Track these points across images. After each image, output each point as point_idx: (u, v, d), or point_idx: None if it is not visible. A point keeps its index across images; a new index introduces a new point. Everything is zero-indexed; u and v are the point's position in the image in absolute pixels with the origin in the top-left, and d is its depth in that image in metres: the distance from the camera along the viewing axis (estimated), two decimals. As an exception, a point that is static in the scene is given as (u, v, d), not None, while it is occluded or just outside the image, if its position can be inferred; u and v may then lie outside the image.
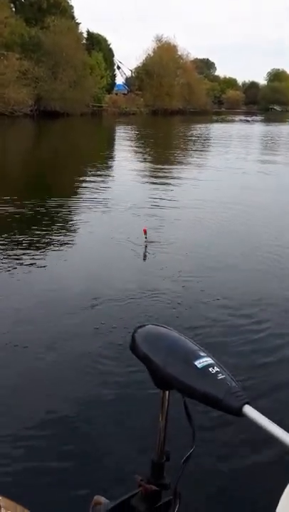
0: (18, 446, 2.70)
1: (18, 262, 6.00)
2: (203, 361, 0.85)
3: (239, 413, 0.77)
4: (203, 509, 2.37)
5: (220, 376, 0.83)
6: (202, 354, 0.87)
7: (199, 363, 0.84)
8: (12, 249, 6.51)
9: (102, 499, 1.00)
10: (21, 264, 5.93)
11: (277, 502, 0.67)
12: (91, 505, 0.99)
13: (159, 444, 0.98)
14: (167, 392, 0.96)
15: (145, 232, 6.47)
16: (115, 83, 59.69)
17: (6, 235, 7.13)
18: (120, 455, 2.66)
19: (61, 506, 2.29)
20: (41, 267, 5.89)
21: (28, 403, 3.11)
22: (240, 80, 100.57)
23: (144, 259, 6.26)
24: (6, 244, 6.77)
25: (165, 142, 25.45)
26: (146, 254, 6.34)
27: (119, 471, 2.49)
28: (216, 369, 0.84)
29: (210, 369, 0.84)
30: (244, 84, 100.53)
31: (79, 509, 1.12)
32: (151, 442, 1.01)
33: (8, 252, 6.41)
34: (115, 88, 59.31)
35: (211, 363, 0.85)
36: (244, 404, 0.78)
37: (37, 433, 2.82)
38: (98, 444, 2.80)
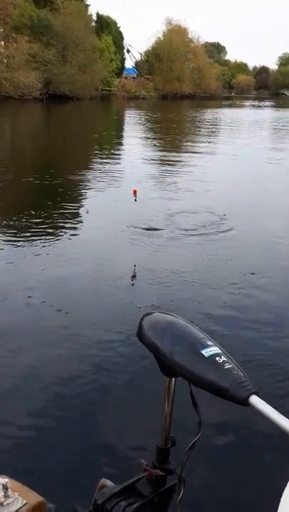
0: (25, 429, 2.70)
1: (32, 238, 6.01)
2: (211, 350, 0.85)
3: (245, 403, 0.77)
4: (206, 496, 2.31)
5: (227, 366, 0.83)
6: (209, 343, 0.87)
7: (206, 352, 0.85)
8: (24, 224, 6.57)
9: (108, 482, 1.01)
10: (36, 240, 5.93)
11: (282, 492, 0.68)
12: (97, 489, 1.00)
13: (164, 429, 1.00)
14: (173, 379, 0.96)
15: (135, 193, 6.58)
16: (125, 67, 59.22)
17: (19, 212, 7.19)
18: (127, 439, 2.65)
19: (67, 489, 2.27)
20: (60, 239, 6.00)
21: (35, 388, 3.07)
22: (250, 65, 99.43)
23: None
24: (18, 220, 6.80)
25: (175, 127, 25.07)
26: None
27: (125, 456, 2.50)
28: (223, 358, 0.84)
29: (217, 358, 0.84)
30: (255, 68, 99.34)
31: (85, 492, 1.11)
32: (157, 428, 1.01)
33: (20, 227, 6.46)
34: (125, 72, 58.82)
35: (218, 352, 0.85)
36: (251, 394, 0.78)
37: (44, 417, 2.80)
38: (104, 428, 2.78)
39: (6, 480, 1.00)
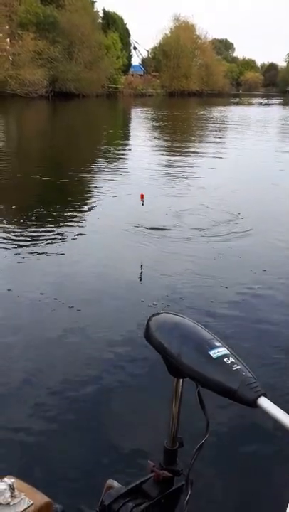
0: (31, 429, 2.67)
1: (38, 233, 6.06)
2: (219, 351, 0.85)
3: (254, 405, 0.78)
4: (213, 498, 2.29)
5: (235, 367, 0.83)
6: (217, 344, 0.87)
7: (214, 353, 0.84)
8: (31, 220, 6.59)
9: (115, 483, 1.01)
10: (43, 237, 5.96)
11: None
12: (104, 489, 1.00)
13: (172, 430, 0.99)
14: (181, 380, 0.95)
15: (142, 197, 6.41)
16: (131, 64, 59.04)
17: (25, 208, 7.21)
18: (134, 440, 2.62)
19: (74, 489, 2.25)
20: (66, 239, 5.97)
21: (42, 385, 3.06)
22: (259, 62, 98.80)
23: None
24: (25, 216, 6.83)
25: (183, 125, 24.97)
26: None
27: (132, 456, 2.47)
28: (232, 359, 0.84)
29: (225, 359, 0.84)
30: (263, 65, 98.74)
31: (92, 493, 1.09)
32: (164, 429, 1.01)
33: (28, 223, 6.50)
34: (131, 69, 58.63)
35: (226, 353, 0.85)
36: (259, 395, 0.78)
37: (50, 416, 2.78)
38: (111, 428, 2.75)
39: (13, 480, 0.99)
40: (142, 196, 6.37)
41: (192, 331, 0.90)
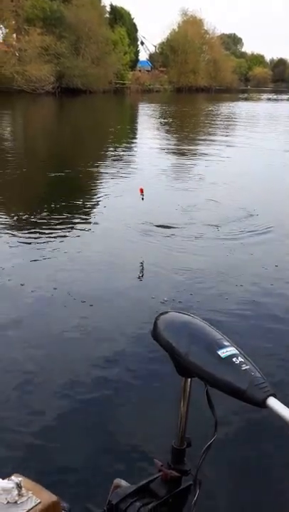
0: (38, 428, 2.67)
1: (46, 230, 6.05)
2: (227, 351, 0.85)
3: (263, 405, 0.78)
4: (221, 498, 2.28)
5: (244, 367, 0.82)
6: (226, 343, 0.86)
7: (223, 353, 0.84)
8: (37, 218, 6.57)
9: (122, 482, 1.01)
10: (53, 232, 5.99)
11: None
12: (111, 488, 1.00)
13: (180, 430, 0.99)
14: (189, 380, 0.95)
15: (141, 191, 6.32)
16: (139, 59, 58.81)
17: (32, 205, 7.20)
18: (142, 439, 2.62)
19: (81, 488, 2.23)
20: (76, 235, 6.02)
21: (50, 382, 3.06)
22: (267, 57, 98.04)
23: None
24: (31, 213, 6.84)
25: (191, 121, 24.85)
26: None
27: (140, 455, 2.46)
28: (240, 359, 0.84)
29: (234, 359, 0.83)
30: (272, 61, 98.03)
31: (99, 492, 1.09)
32: (173, 428, 1.01)
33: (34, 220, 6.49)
34: (139, 65, 58.42)
35: (235, 353, 0.85)
36: (269, 396, 0.78)
37: (57, 415, 2.77)
38: (119, 427, 2.74)
39: (20, 479, 0.99)
40: (142, 190, 6.28)
41: (200, 330, 0.90)
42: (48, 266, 4.95)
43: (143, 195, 6.30)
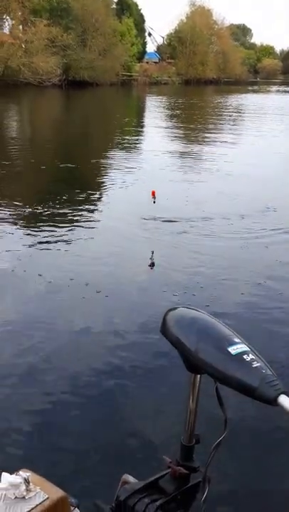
0: (46, 423, 2.67)
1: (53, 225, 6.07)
2: (238, 347, 0.84)
3: (274, 403, 0.77)
4: (231, 496, 2.27)
5: (255, 364, 0.81)
6: (236, 340, 0.85)
7: (233, 350, 0.83)
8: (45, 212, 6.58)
9: (131, 478, 1.01)
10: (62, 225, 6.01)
11: None
12: (119, 484, 0.99)
13: (188, 426, 0.98)
14: (198, 376, 0.94)
15: (153, 194, 6.21)
16: (146, 51, 58.39)
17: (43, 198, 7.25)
18: (151, 435, 2.61)
19: (89, 484, 2.23)
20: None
21: (56, 377, 3.06)
22: (277, 48, 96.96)
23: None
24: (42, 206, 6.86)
25: (199, 113, 24.63)
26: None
27: (149, 452, 2.45)
28: (251, 356, 0.83)
29: (244, 356, 0.82)
30: (282, 52, 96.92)
31: (107, 487, 1.09)
32: (182, 424, 1.00)
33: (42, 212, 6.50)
34: (146, 56, 58.00)
35: (245, 350, 0.83)
36: (280, 394, 0.77)
37: (65, 410, 2.77)
38: (128, 423, 2.74)
39: (28, 474, 0.98)
40: (154, 193, 6.16)
41: (210, 326, 0.89)
42: (62, 256, 5.04)
43: (155, 198, 6.18)
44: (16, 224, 6.13)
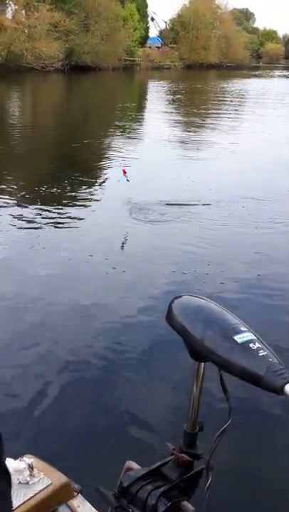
0: (51, 410, 2.67)
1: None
2: (244, 336, 0.83)
3: (281, 392, 0.76)
4: (235, 484, 2.26)
5: (261, 352, 0.81)
6: (243, 329, 0.85)
7: (239, 338, 0.83)
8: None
9: (134, 465, 1.01)
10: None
11: None
12: (123, 471, 1.00)
13: (192, 414, 0.98)
14: (203, 364, 0.94)
15: (124, 172, 6.19)
16: (149, 36, 57.50)
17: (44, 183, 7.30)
18: (155, 422, 2.61)
19: (93, 470, 2.24)
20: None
21: (58, 366, 3.06)
22: (280, 33, 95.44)
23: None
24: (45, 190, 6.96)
25: (203, 98, 24.37)
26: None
27: (153, 438, 2.45)
28: (258, 345, 0.82)
29: (251, 345, 0.82)
30: (285, 36, 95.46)
31: (111, 474, 1.08)
32: (185, 412, 1.00)
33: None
34: (148, 41, 57.16)
35: (252, 339, 0.83)
36: (287, 382, 0.77)
37: (70, 397, 2.78)
38: (132, 410, 2.73)
39: (32, 460, 1.00)
40: (124, 171, 6.08)
41: (216, 314, 0.88)
42: (79, 234, 5.31)
43: (126, 176, 6.09)
44: (26, 203, 6.28)
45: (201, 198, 6.58)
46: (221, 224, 5.73)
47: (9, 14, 38.37)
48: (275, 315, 3.75)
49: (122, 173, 6.11)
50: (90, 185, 7.29)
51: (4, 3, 37.72)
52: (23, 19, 38.05)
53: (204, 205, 6.30)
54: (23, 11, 38.68)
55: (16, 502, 0.93)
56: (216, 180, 7.61)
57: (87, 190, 6.98)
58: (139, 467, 0.99)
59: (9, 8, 38.59)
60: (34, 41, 35.74)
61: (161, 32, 61.53)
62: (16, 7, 38.39)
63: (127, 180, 6.16)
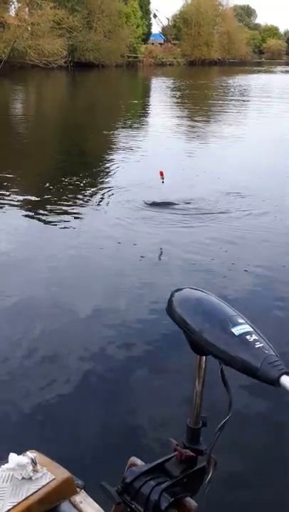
0: (55, 405, 2.68)
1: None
2: (241, 328, 0.83)
3: (277, 383, 0.76)
4: (236, 479, 2.25)
5: (258, 344, 0.81)
6: (240, 321, 0.85)
7: (237, 330, 0.83)
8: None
9: (138, 461, 1.00)
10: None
11: None
12: (126, 467, 0.99)
13: (195, 409, 0.97)
14: (204, 358, 0.94)
15: (162, 174, 6.19)
16: (151, 32, 57.45)
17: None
18: (158, 418, 2.62)
19: (96, 466, 2.24)
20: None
21: (64, 362, 3.07)
22: (282, 29, 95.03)
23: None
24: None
25: (207, 94, 24.30)
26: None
27: (156, 434, 2.45)
28: (254, 337, 0.82)
29: (247, 337, 0.82)
30: (287, 32, 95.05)
31: (114, 470, 1.09)
32: (188, 407, 0.99)
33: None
34: (151, 38, 57.10)
35: (249, 331, 0.83)
36: (282, 374, 0.77)
37: (73, 393, 2.78)
38: (135, 406, 2.74)
39: (35, 455, 1.00)
40: (162, 174, 6.13)
41: (215, 307, 0.88)
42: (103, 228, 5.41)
43: (163, 178, 6.16)
44: (34, 199, 6.37)
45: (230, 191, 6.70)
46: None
47: (12, 12, 38.47)
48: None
49: (160, 175, 6.18)
50: (101, 179, 7.36)
51: (8, 0, 37.74)
52: (27, 16, 38.03)
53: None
54: (27, 9, 38.69)
55: (18, 497, 0.93)
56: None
57: (99, 186, 7.06)
58: (142, 463, 0.99)
59: (13, 6, 38.70)
60: (37, 38, 35.81)
61: (163, 28, 61.44)
62: (20, 4, 38.42)
63: (162, 182, 6.21)
